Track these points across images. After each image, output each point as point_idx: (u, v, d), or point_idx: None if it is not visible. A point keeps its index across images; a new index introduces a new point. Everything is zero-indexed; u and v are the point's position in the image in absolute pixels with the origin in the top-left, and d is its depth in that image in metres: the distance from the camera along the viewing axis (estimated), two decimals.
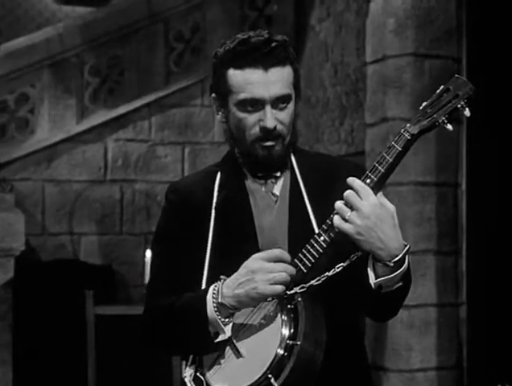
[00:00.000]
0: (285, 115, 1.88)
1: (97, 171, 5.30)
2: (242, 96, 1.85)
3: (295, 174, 1.93)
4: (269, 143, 1.87)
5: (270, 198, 1.92)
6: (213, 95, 1.94)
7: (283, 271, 1.75)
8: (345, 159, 2.14)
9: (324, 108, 5.11)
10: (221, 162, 1.99)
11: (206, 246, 1.88)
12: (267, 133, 1.86)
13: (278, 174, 1.95)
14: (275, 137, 1.87)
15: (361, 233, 1.70)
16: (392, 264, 1.72)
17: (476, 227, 4.14)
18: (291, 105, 1.90)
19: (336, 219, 1.72)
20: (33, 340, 4.75)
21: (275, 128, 1.86)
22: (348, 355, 1.89)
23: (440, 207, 4.16)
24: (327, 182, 1.87)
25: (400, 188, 4.14)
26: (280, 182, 1.93)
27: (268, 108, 1.85)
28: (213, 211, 1.90)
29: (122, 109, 5.33)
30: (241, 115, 1.87)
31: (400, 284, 1.77)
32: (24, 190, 5.12)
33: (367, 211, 1.69)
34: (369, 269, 1.76)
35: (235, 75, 1.86)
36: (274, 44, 1.85)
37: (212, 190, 1.93)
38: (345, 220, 1.71)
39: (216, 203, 1.91)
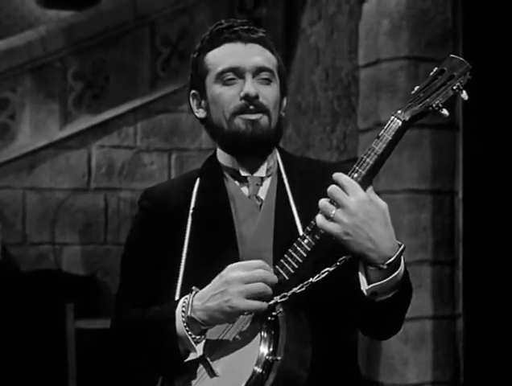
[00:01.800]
0: (268, 91, 1.74)
1: (80, 179, 5.22)
2: (220, 68, 1.73)
3: (282, 178, 1.79)
4: (252, 116, 1.72)
5: (253, 203, 1.77)
6: (192, 91, 1.81)
7: (262, 280, 1.57)
8: (334, 162, 1.98)
9: (314, 114, 5.03)
10: (202, 167, 1.85)
11: (181, 255, 1.72)
12: (248, 101, 1.71)
13: (264, 173, 1.78)
14: (258, 109, 1.72)
15: (348, 233, 1.53)
16: (385, 267, 1.55)
17: (474, 236, 4.06)
18: (275, 87, 1.76)
19: (320, 219, 1.54)
20: (11, 355, 4.62)
21: (257, 97, 1.71)
22: (338, 371, 1.72)
23: (436, 215, 4.06)
24: (315, 187, 1.69)
25: (394, 196, 4.04)
26: (266, 185, 1.79)
27: (249, 76, 1.72)
28: (190, 217, 1.74)
29: (107, 115, 5.26)
30: (220, 89, 1.74)
31: (397, 291, 1.59)
32: (4, 199, 5.04)
33: (354, 207, 1.52)
34: (360, 274, 1.59)
35: (213, 54, 1.76)
36: (252, 27, 1.76)
37: (191, 196, 1.78)
38: (330, 219, 1.53)
39: (194, 208, 1.76)
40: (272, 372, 1.53)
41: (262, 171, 1.79)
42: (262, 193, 1.78)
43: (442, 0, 4.07)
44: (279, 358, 1.54)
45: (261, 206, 1.76)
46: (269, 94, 1.73)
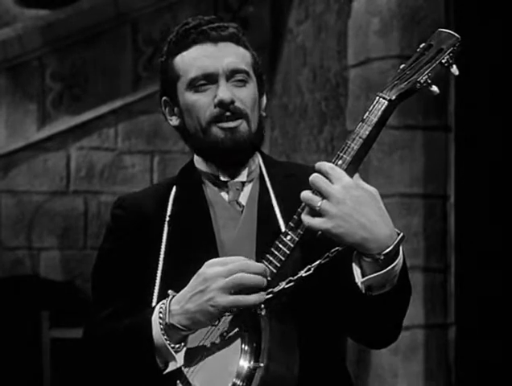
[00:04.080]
0: (244, 94, 1.63)
1: (58, 182, 5.14)
2: (192, 74, 1.62)
3: (265, 182, 1.68)
4: (230, 124, 1.61)
5: (234, 209, 1.66)
6: (163, 98, 1.70)
7: (241, 271, 1.44)
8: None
9: (301, 116, 4.99)
10: (178, 174, 1.74)
11: (157, 264, 1.61)
12: (224, 108, 1.60)
13: (245, 177, 1.68)
14: (236, 116, 1.61)
15: (338, 225, 1.40)
16: (382, 258, 1.41)
17: (466, 242, 4.03)
18: (252, 87, 1.65)
19: (305, 217, 1.42)
20: None
21: (233, 102, 1.60)
22: (330, 379, 1.60)
23: (428, 220, 4.02)
24: (299, 190, 1.57)
25: (384, 200, 3.93)
26: (247, 190, 1.68)
27: (223, 81, 1.62)
28: (166, 225, 1.64)
29: (87, 116, 5.18)
30: (193, 97, 1.63)
31: (395, 284, 1.46)
32: None
33: (341, 195, 1.40)
34: (354, 266, 1.46)
35: (182, 58, 1.64)
36: (222, 23, 1.65)
37: (166, 203, 1.67)
38: (317, 214, 1.41)
39: (170, 215, 1.65)
40: (254, 381, 1.40)
41: (243, 176, 1.69)
42: (243, 198, 1.68)
43: None
44: (262, 364, 1.41)
45: (242, 211, 1.67)
46: (245, 96, 1.64)
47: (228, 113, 1.61)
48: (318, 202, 1.41)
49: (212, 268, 1.48)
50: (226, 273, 1.46)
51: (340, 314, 1.57)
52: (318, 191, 1.42)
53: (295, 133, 5.03)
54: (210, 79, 1.62)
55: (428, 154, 4.01)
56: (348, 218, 1.40)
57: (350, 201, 1.40)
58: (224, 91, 1.61)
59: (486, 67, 3.96)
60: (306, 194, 1.43)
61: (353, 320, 1.57)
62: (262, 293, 1.45)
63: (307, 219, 1.42)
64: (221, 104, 1.61)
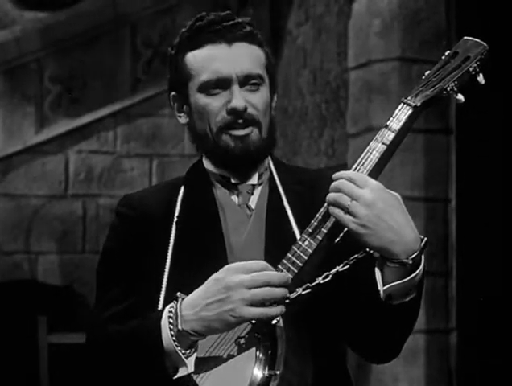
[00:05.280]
0: (258, 98, 1.59)
1: (57, 185, 5.13)
2: (204, 76, 1.59)
3: (276, 185, 1.65)
4: (241, 132, 1.58)
5: (244, 212, 1.63)
6: (173, 93, 1.66)
7: (266, 284, 1.40)
8: (327, 170, 1.81)
9: (301, 119, 4.98)
10: (186, 174, 1.70)
11: (164, 265, 1.57)
12: (236, 116, 1.57)
13: (255, 180, 1.64)
14: (248, 123, 1.58)
15: (367, 226, 1.38)
16: (410, 262, 1.38)
17: (468, 246, 4.01)
18: (265, 90, 1.61)
19: (336, 210, 1.39)
20: None
21: (245, 109, 1.57)
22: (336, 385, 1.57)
23: (429, 224, 4.00)
24: (310, 196, 1.56)
25: None
26: (257, 193, 1.64)
27: (236, 86, 1.58)
28: (174, 226, 1.60)
29: (85, 119, 5.16)
30: (205, 100, 1.59)
31: (414, 295, 1.44)
32: None
33: (371, 196, 1.38)
34: (377, 271, 1.42)
35: (194, 57, 1.61)
36: (236, 20, 1.61)
37: (175, 204, 1.63)
38: (346, 212, 1.38)
39: (178, 216, 1.61)
40: None
41: (253, 179, 1.66)
42: (253, 202, 1.65)
43: None
44: (278, 372, 1.38)
45: (251, 216, 1.63)
46: (258, 101, 1.60)
47: (240, 121, 1.58)
48: (348, 201, 1.38)
49: (234, 275, 1.42)
50: (250, 283, 1.41)
51: (353, 322, 1.54)
52: (346, 194, 1.39)
53: (296, 135, 5.02)
54: (223, 84, 1.58)
55: (429, 157, 4.01)
56: (378, 220, 1.38)
57: (380, 202, 1.38)
58: (237, 98, 1.57)
59: (487, 69, 3.96)
60: (334, 194, 1.40)
61: (364, 329, 1.53)
62: (282, 306, 1.41)
63: (338, 211, 1.39)
64: (234, 112, 1.57)
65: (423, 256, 1.43)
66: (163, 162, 5.26)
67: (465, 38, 1.48)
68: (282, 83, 5.05)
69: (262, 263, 1.45)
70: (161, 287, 1.56)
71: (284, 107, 5.06)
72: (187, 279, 1.52)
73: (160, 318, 1.47)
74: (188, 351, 1.44)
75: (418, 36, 4.00)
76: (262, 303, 1.41)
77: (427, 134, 3.97)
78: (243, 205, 1.64)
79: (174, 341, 1.44)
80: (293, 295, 1.42)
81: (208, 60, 1.59)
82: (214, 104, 1.58)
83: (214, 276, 1.44)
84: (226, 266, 1.45)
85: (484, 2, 4.01)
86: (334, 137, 4.62)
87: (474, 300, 3.95)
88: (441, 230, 4.04)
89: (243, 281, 1.41)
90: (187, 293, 1.47)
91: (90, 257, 5.07)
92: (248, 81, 1.59)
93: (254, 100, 1.59)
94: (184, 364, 1.44)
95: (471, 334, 3.97)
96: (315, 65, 4.85)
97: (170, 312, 1.46)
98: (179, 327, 1.43)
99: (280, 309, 1.41)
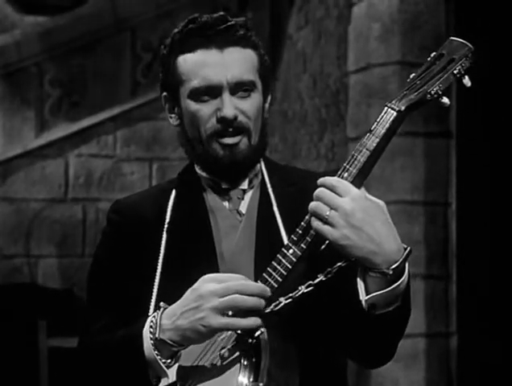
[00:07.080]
0: (248, 105, 1.58)
1: (57, 189, 5.12)
2: (195, 83, 1.57)
3: (266, 190, 1.63)
4: (230, 140, 1.57)
5: (234, 218, 1.62)
6: (164, 94, 1.65)
7: (236, 292, 1.38)
8: (321, 171, 1.79)
9: (301, 123, 4.97)
10: (177, 178, 1.69)
11: (155, 272, 1.56)
12: (226, 125, 1.56)
13: (246, 185, 1.63)
14: (237, 132, 1.57)
15: (347, 236, 1.36)
16: (390, 272, 1.37)
17: (468, 249, 3.99)
18: (257, 96, 1.60)
19: (315, 222, 1.37)
20: None
21: (236, 118, 1.56)
22: None
23: (429, 228, 3.98)
24: (300, 199, 1.53)
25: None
26: (248, 198, 1.63)
27: (226, 94, 1.56)
28: (165, 232, 1.59)
29: (85, 122, 5.16)
30: (195, 107, 1.58)
31: (398, 303, 1.42)
32: None
33: (349, 206, 1.36)
34: (359, 282, 1.41)
35: (185, 61, 1.58)
36: (230, 23, 1.57)
37: (166, 209, 1.62)
38: (325, 222, 1.36)
39: (169, 222, 1.60)
40: None
41: (243, 184, 1.65)
42: (244, 207, 1.63)
43: (435, 3, 4.03)
44: (261, 384, 1.37)
45: (241, 221, 1.63)
46: (249, 109, 1.59)
47: (230, 129, 1.57)
48: (327, 211, 1.37)
49: (207, 284, 1.42)
50: (222, 292, 1.40)
51: (338, 331, 1.52)
52: (325, 204, 1.38)
53: (295, 139, 5.01)
54: (213, 91, 1.57)
55: (429, 161, 3.99)
56: (357, 231, 1.36)
57: (360, 213, 1.36)
58: (227, 107, 1.56)
59: (487, 72, 3.90)
60: (313, 203, 1.39)
61: (350, 338, 1.52)
62: (257, 318, 1.39)
63: (317, 224, 1.38)
64: (224, 121, 1.56)
65: (407, 265, 1.41)
66: (163, 166, 5.26)
67: (451, 38, 1.46)
68: (282, 87, 5.06)
69: (239, 276, 1.43)
70: (151, 294, 1.56)
71: (284, 111, 5.06)
72: (177, 286, 1.50)
73: (143, 327, 1.47)
74: (169, 361, 1.44)
75: (418, 40, 3.99)
76: (235, 314, 1.39)
77: (427, 138, 3.96)
78: (234, 211, 1.63)
79: (154, 350, 1.44)
80: (275, 305, 1.41)
81: (199, 66, 1.57)
82: (204, 110, 1.57)
83: (193, 286, 1.44)
84: (203, 277, 1.44)
85: (483, 5, 3.99)
86: (334, 140, 4.61)
87: (474, 303, 3.94)
88: (441, 234, 4.02)
89: (216, 289, 1.40)
90: (177, 299, 1.47)
91: (90, 261, 5.09)
92: (239, 88, 1.57)
93: (245, 108, 1.58)
94: (166, 374, 1.44)
95: (471, 338, 3.95)
96: (314, 69, 4.84)
97: (151, 321, 1.46)
98: (158, 336, 1.44)
99: (254, 320, 1.39)
